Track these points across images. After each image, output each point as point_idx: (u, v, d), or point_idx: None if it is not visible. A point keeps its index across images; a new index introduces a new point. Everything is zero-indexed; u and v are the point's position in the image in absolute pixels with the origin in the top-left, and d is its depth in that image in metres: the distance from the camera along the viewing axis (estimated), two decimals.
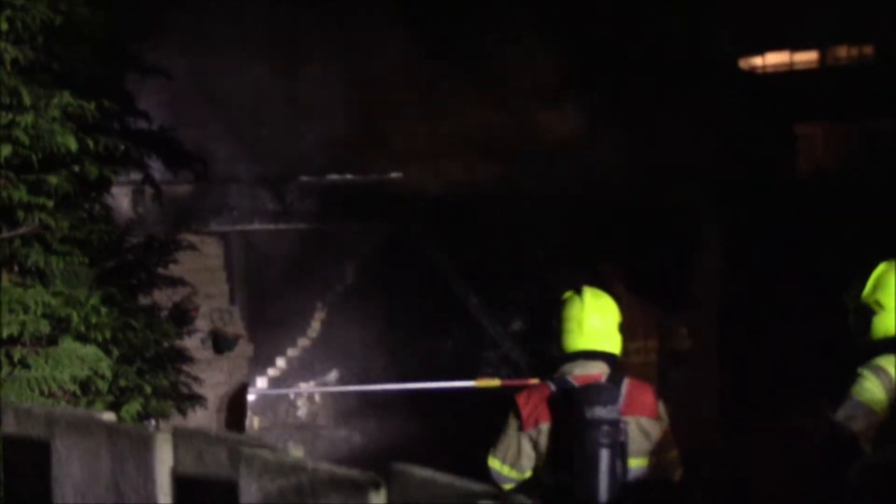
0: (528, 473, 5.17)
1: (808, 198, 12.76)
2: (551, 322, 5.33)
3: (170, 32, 7.29)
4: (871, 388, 4.82)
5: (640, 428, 5.07)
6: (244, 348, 12.04)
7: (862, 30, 14.25)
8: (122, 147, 5.95)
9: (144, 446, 2.64)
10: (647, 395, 5.14)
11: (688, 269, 13.34)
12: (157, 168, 7.38)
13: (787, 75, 14.78)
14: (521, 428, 5.14)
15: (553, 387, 5.15)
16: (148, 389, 6.58)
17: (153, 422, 6.89)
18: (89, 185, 6.14)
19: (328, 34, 13.27)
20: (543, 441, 5.11)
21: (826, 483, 4.84)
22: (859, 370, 4.87)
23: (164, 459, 2.62)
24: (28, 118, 5.44)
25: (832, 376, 5.01)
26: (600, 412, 4.97)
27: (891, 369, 4.84)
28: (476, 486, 2.08)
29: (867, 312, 4.97)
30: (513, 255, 13.61)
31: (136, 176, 7.46)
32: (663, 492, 5.09)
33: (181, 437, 2.62)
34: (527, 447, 5.14)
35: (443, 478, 2.11)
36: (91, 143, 5.68)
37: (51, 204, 5.70)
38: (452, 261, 14.12)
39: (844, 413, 4.79)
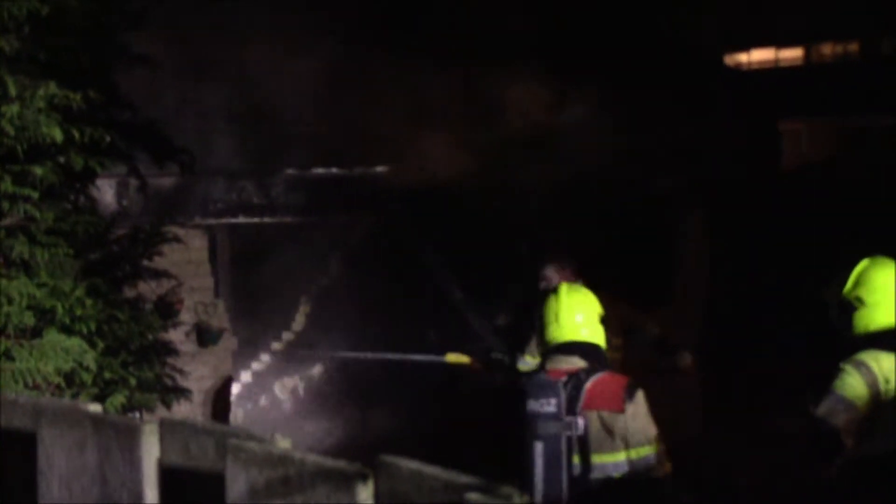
0: None
1: (792, 194, 12.79)
2: (535, 319, 5.39)
3: (156, 22, 7.24)
4: (852, 383, 4.84)
5: (601, 422, 5.01)
6: (228, 342, 12.03)
7: (847, 27, 14.29)
8: (108, 138, 5.93)
9: (131, 437, 2.64)
10: (614, 389, 5.06)
11: (668, 265, 13.33)
12: (142, 159, 7.35)
13: (772, 72, 14.82)
14: None
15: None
16: (132, 382, 6.56)
17: (137, 414, 6.87)
18: (74, 176, 6.12)
19: (315, 24, 13.24)
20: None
21: (809, 478, 4.87)
22: (841, 365, 4.89)
23: (150, 450, 2.62)
24: (13, 108, 5.42)
25: (815, 371, 5.03)
26: (533, 406, 5.05)
27: (872, 364, 4.87)
28: (463, 478, 2.08)
29: (849, 308, 5.00)
30: (497, 248, 13.61)
31: (121, 168, 7.43)
32: (640, 487, 5.01)
33: (168, 428, 2.62)
34: None
35: (430, 469, 2.12)
36: (77, 134, 5.66)
37: (36, 195, 5.68)
38: (437, 254, 14.12)
39: (826, 408, 4.82)
